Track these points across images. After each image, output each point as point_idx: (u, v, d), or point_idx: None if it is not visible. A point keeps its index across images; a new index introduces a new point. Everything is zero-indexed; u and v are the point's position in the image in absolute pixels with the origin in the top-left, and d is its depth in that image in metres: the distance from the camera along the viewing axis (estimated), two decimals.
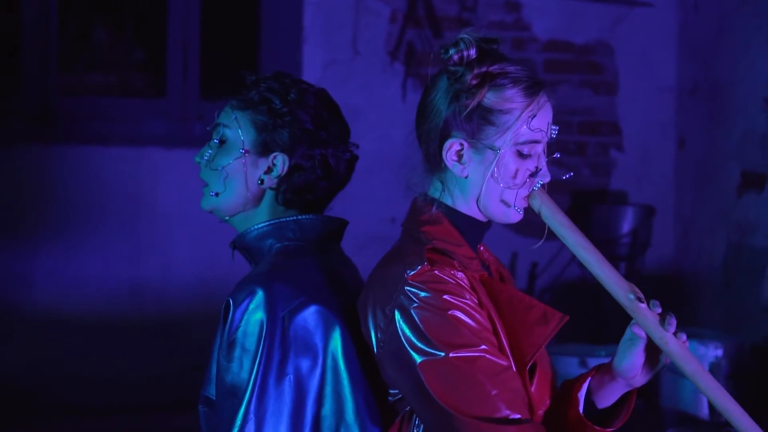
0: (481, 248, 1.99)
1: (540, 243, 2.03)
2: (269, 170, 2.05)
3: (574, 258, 4.82)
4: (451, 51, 1.84)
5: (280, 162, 2.05)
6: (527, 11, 5.03)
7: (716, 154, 4.84)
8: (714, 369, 3.83)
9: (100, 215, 4.73)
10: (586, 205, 4.95)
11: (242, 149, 2.05)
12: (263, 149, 2.06)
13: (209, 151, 2.09)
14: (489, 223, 1.95)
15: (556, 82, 5.07)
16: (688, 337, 4.06)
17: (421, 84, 4.82)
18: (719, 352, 3.86)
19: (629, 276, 4.69)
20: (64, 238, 4.70)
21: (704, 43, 4.96)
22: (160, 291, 4.76)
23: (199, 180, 4.46)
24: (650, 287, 4.87)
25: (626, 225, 4.79)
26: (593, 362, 3.72)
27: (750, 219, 4.56)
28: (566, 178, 2.09)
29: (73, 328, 4.65)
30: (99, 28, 5.20)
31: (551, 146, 1.92)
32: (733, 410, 1.86)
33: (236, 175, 2.06)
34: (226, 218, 2.11)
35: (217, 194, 2.07)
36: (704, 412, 3.83)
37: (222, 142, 2.08)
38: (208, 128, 2.13)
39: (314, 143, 2.06)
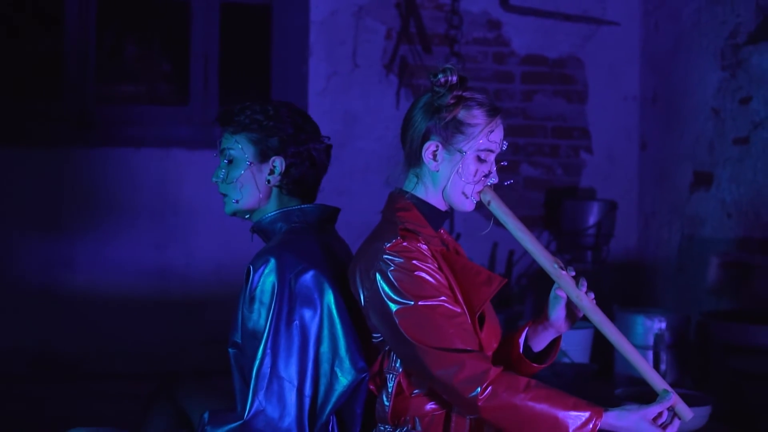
0: (442, 231, 2.45)
1: (488, 229, 2.54)
2: (272, 172, 2.49)
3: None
4: (440, 75, 2.33)
5: (279, 163, 2.49)
6: (507, 29, 5.23)
7: (672, 156, 5.03)
8: (658, 339, 4.12)
9: (132, 208, 4.89)
10: (559, 200, 5.17)
11: (248, 162, 2.48)
12: (263, 157, 2.49)
13: (222, 171, 2.51)
14: (448, 212, 2.42)
15: (533, 92, 5.26)
16: (640, 313, 4.42)
17: (413, 93, 5.01)
18: (663, 325, 4.15)
19: (595, 262, 4.98)
20: (100, 229, 4.86)
21: (663, 58, 5.15)
22: (184, 275, 4.92)
23: None
24: (614, 273, 5.16)
25: (593, 218, 4.99)
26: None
27: (700, 213, 4.78)
28: (507, 184, 2.58)
29: (109, 307, 4.84)
30: (130, 44, 5.36)
31: (499, 158, 2.40)
32: (626, 347, 2.32)
33: (248, 183, 2.49)
34: (247, 216, 2.54)
35: (237, 201, 2.50)
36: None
37: (230, 161, 2.49)
38: (214, 155, 2.53)
39: (298, 142, 2.49)
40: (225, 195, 2.53)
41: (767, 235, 4.32)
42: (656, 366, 4.10)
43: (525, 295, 5.01)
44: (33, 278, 4.82)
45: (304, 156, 2.51)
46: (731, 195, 4.57)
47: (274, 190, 2.52)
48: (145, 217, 4.92)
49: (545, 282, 2.28)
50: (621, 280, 5.27)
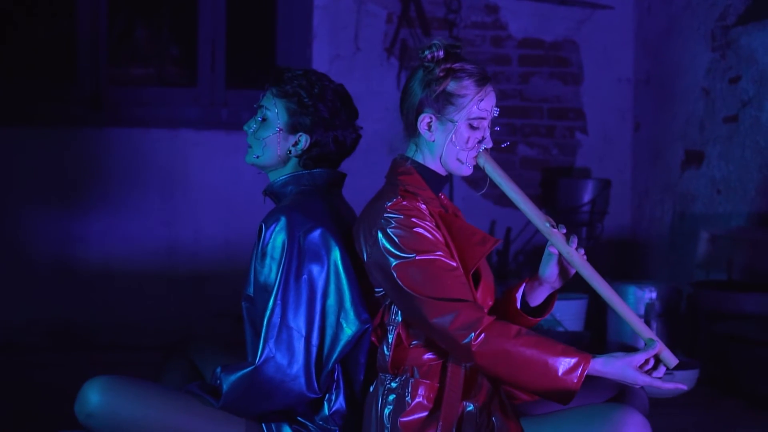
0: (442, 196, 2.55)
1: (484, 190, 2.64)
2: (295, 144, 2.59)
3: None
4: (426, 52, 2.43)
5: (304, 140, 2.58)
6: (504, 13, 5.30)
7: (665, 136, 5.11)
8: (649, 308, 4.24)
9: (142, 186, 4.96)
10: (555, 179, 5.24)
11: (278, 127, 2.58)
12: (292, 129, 2.59)
13: (254, 124, 2.61)
14: (447, 176, 2.53)
15: (529, 74, 5.33)
16: (631, 283, 4.51)
17: None
18: (653, 295, 4.27)
19: (590, 239, 5.06)
20: (112, 206, 4.94)
21: (656, 41, 5.22)
22: (192, 250, 5.00)
23: (224, 156, 5.04)
24: (609, 249, 5.28)
25: (588, 196, 5.07)
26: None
27: (691, 190, 4.87)
28: (504, 146, 2.70)
29: (120, 281, 4.93)
30: (140, 28, 5.43)
31: (493, 122, 2.49)
32: (615, 300, 2.41)
33: (272, 145, 2.59)
34: (263, 171, 2.65)
35: (257, 156, 2.61)
36: (641, 344, 4.25)
37: (263, 119, 2.59)
38: (255, 105, 2.62)
39: (329, 127, 2.59)
40: (249, 146, 2.63)
41: (754, 210, 4.41)
42: None
43: (522, 271, 5.12)
44: (48, 253, 4.90)
45: (330, 140, 2.60)
46: (720, 172, 4.65)
47: (294, 159, 2.62)
48: (155, 195, 5.00)
49: (541, 259, 2.39)
50: (615, 256, 5.35)
